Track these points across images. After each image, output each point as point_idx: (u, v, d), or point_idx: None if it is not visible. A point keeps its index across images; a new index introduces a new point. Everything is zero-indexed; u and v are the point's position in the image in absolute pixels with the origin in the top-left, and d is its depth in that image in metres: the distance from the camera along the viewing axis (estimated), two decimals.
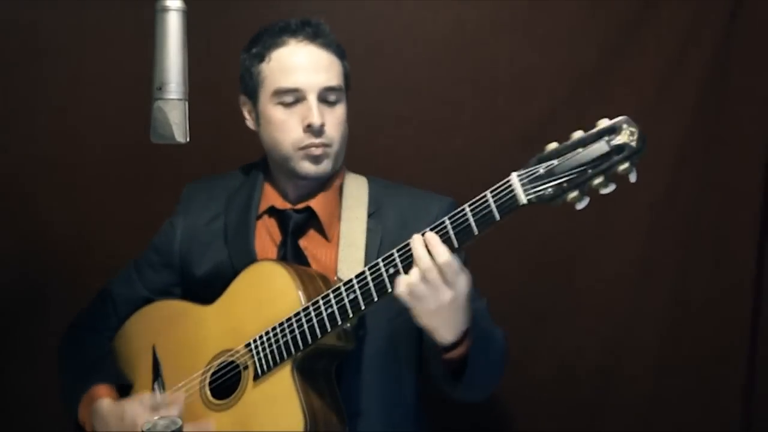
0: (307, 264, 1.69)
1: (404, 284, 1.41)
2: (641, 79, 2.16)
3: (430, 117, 2.22)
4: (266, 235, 1.73)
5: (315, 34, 1.67)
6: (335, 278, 1.63)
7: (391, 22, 2.20)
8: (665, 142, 2.15)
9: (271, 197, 1.75)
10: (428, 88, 2.21)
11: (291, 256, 1.69)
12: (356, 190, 1.75)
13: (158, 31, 1.29)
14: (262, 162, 1.81)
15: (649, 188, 2.10)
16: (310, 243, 1.71)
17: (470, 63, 2.20)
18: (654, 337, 2.22)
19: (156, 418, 1.45)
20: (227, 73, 2.06)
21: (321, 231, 1.71)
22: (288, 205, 1.73)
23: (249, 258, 1.69)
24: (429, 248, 1.40)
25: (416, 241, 1.42)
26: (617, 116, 1.31)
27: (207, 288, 1.72)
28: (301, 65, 1.65)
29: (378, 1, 2.18)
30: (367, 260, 1.64)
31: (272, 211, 1.74)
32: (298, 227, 1.71)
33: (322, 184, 1.73)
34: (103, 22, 2.17)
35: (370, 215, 1.71)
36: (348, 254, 1.66)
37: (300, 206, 1.72)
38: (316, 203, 1.71)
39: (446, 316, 1.44)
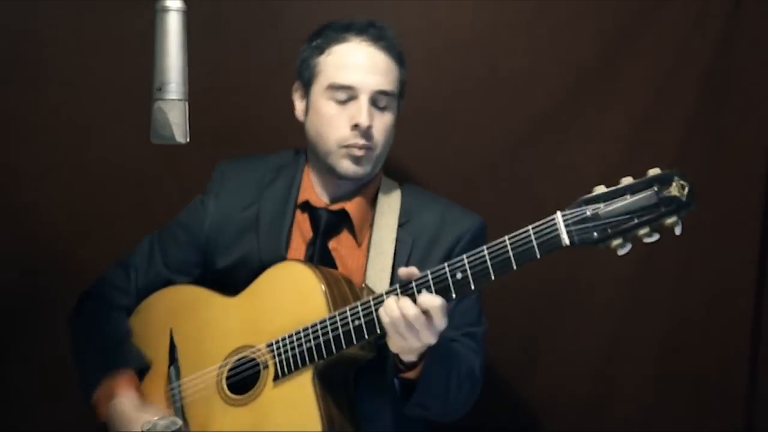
0: (334, 266, 1.68)
1: (389, 317, 1.43)
2: (641, 80, 2.15)
3: (430, 117, 2.21)
4: (297, 230, 1.73)
5: (378, 37, 1.68)
6: (363, 284, 1.64)
7: (391, 23, 2.19)
8: (665, 142, 2.15)
9: (308, 191, 1.75)
10: (428, 88, 2.20)
11: (319, 256, 1.69)
12: (390, 198, 1.75)
13: (158, 31, 1.29)
14: (306, 152, 1.80)
15: None
16: (339, 245, 1.71)
17: (470, 63, 2.19)
18: (655, 338, 2.22)
19: (156, 418, 1.45)
20: (227, 74, 2.07)
21: (352, 234, 1.72)
22: (323, 203, 1.73)
23: (278, 252, 1.70)
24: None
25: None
26: (665, 168, 1.30)
27: (229, 277, 1.72)
28: (358, 64, 1.66)
29: (378, 2, 2.18)
30: (394, 270, 1.64)
31: (306, 206, 1.74)
32: (330, 228, 1.71)
33: (359, 187, 1.73)
34: (103, 22, 2.17)
35: (400, 225, 1.71)
36: (377, 261, 1.67)
37: (334, 207, 1.72)
38: (351, 206, 1.71)
39: (417, 348, 1.48)
